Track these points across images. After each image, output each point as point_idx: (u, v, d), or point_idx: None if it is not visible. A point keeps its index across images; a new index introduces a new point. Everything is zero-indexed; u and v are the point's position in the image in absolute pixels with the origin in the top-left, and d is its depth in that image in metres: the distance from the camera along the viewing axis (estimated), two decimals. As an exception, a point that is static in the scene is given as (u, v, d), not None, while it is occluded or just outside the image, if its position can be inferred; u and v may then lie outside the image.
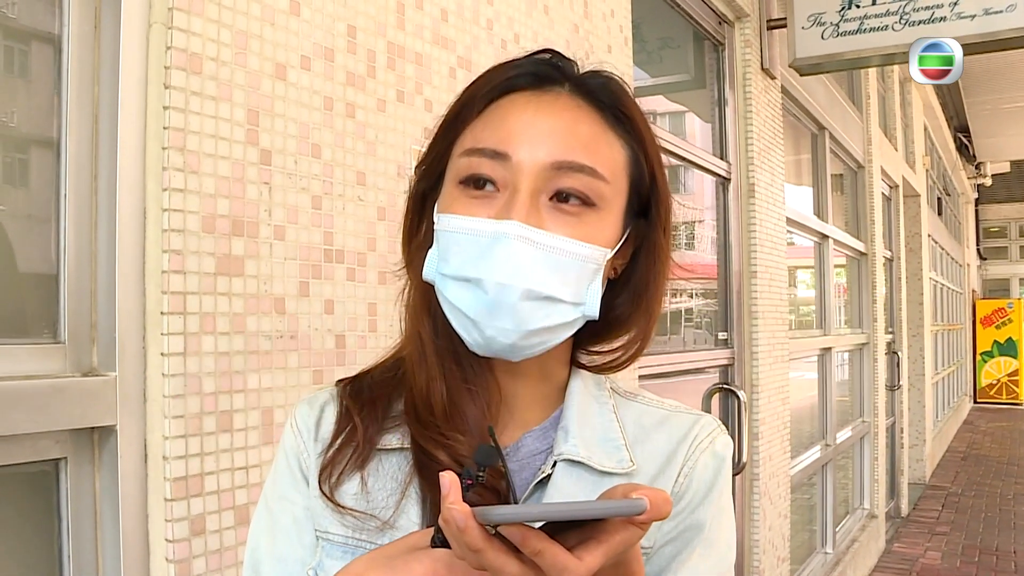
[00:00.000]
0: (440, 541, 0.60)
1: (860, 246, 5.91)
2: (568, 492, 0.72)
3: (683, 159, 3.08)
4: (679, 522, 0.74)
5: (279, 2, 1.27)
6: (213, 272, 1.16)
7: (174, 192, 1.11)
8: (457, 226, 0.70)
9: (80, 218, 1.09)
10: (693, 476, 0.76)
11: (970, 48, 3.32)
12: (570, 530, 0.54)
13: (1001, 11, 3.23)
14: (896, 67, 6.61)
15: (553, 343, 0.72)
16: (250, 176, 1.21)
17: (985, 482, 8.53)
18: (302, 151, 1.30)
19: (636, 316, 0.78)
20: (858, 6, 3.51)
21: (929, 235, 9.24)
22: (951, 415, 11.88)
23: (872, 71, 6.01)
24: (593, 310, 0.72)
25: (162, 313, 1.10)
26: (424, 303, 0.76)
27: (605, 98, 0.74)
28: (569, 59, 0.76)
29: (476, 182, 0.70)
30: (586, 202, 0.70)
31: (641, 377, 2.50)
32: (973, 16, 3.29)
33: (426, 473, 0.71)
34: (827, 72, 4.26)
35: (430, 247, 0.74)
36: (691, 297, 3.52)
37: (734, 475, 3.14)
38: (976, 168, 13.64)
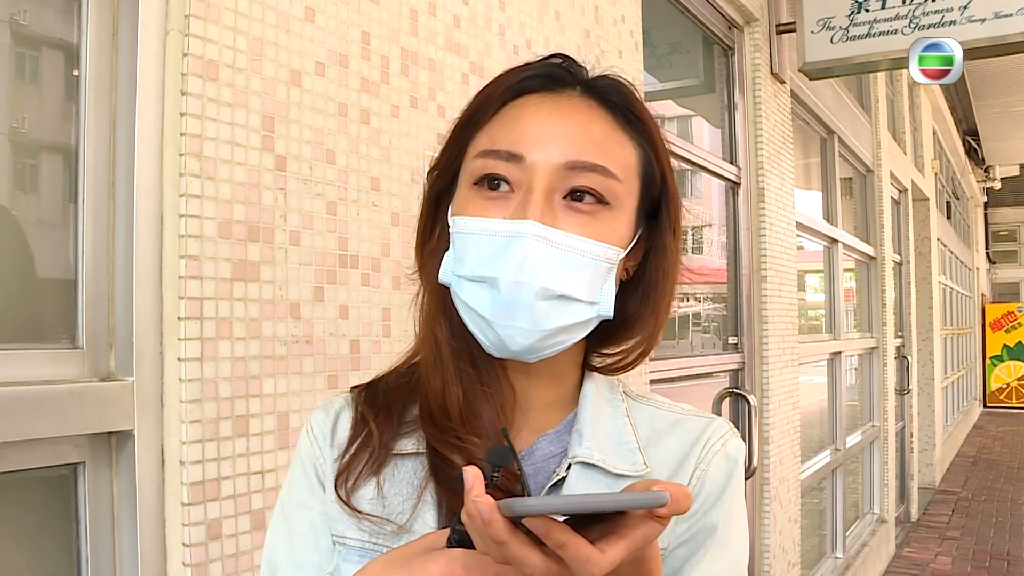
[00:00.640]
0: (456, 541, 0.60)
1: (869, 250, 5.89)
2: None
3: (693, 163, 3.08)
4: (692, 524, 0.75)
5: (294, 9, 1.28)
6: (229, 277, 1.16)
7: (191, 198, 1.12)
8: (472, 227, 0.70)
9: (98, 224, 1.10)
10: (706, 479, 0.76)
11: (980, 52, 3.31)
12: (592, 525, 0.54)
13: (1011, 14, 3.20)
14: (905, 71, 6.58)
15: (568, 343, 0.72)
16: (266, 182, 1.22)
17: (995, 486, 8.49)
18: (317, 157, 1.31)
19: (645, 317, 0.78)
20: (867, 10, 3.50)
21: (938, 239, 9.21)
22: (961, 419, 11.82)
23: (881, 75, 6.00)
24: (607, 309, 0.72)
25: (179, 318, 1.11)
26: (439, 306, 0.76)
27: (616, 100, 0.74)
28: (580, 64, 0.77)
29: (491, 183, 0.70)
30: (600, 200, 0.70)
31: (652, 382, 2.50)
32: (983, 20, 3.27)
33: (441, 477, 0.71)
34: (836, 76, 4.25)
35: (444, 251, 0.74)
36: (699, 301, 3.51)
37: (745, 479, 3.13)
38: (985, 172, 13.60)
